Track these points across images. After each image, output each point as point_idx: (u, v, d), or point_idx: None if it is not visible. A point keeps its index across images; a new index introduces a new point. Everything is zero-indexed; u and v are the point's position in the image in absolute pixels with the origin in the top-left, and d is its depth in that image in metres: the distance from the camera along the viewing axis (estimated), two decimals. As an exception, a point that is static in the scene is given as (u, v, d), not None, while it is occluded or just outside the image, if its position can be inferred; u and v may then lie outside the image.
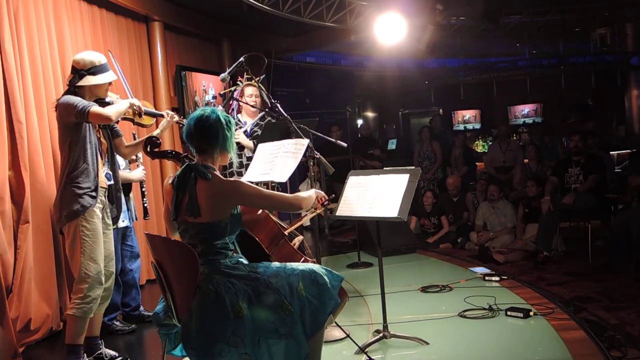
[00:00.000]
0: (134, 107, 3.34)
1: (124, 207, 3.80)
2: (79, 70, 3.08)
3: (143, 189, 3.98)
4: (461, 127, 13.28)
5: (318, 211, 2.82)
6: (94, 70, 3.10)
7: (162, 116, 3.54)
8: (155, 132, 3.42)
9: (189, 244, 2.28)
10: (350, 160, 7.72)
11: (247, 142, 4.33)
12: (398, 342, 3.31)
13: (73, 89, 3.09)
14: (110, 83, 3.21)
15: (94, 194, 3.06)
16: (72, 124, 3.02)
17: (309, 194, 2.57)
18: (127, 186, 3.94)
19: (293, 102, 8.58)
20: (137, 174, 3.92)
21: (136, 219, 4.09)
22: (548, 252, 5.21)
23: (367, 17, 6.69)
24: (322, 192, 2.65)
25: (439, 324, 3.67)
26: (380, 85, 12.77)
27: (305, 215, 2.98)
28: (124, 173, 3.84)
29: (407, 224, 6.18)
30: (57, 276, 3.78)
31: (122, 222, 3.78)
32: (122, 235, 3.89)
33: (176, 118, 3.53)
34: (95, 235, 3.06)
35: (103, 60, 3.16)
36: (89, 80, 3.09)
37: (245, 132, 4.39)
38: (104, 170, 3.22)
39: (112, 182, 3.28)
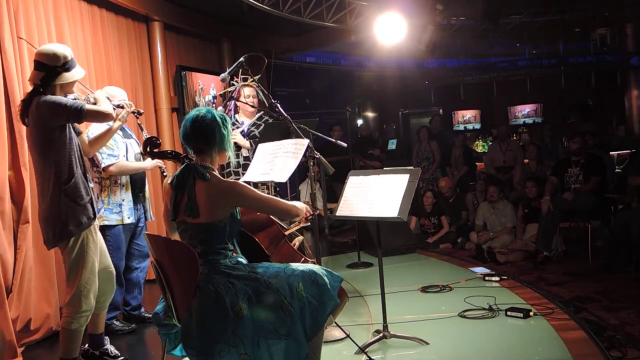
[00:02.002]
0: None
1: (130, 204, 3.74)
2: (53, 67, 2.77)
3: (164, 174, 3.86)
4: (461, 127, 13.28)
5: (301, 224, 2.82)
6: (68, 65, 2.83)
7: (122, 107, 3.44)
8: (116, 125, 3.36)
9: (188, 244, 2.28)
10: (350, 160, 7.72)
11: (244, 142, 4.32)
12: (398, 342, 3.31)
13: (43, 88, 2.78)
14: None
15: (91, 201, 2.94)
16: (56, 126, 2.77)
17: (301, 204, 2.55)
18: (141, 182, 3.87)
19: (293, 102, 8.58)
20: (150, 161, 3.77)
21: (152, 219, 4.02)
22: (548, 252, 5.21)
23: (367, 17, 6.69)
24: (308, 207, 2.64)
25: (439, 324, 3.67)
26: (380, 85, 12.76)
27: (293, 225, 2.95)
28: (138, 163, 3.77)
29: (407, 224, 6.19)
30: (57, 276, 3.78)
31: (128, 219, 3.73)
32: (132, 234, 3.86)
33: (133, 107, 3.49)
34: (97, 247, 2.99)
35: (71, 54, 2.89)
36: (65, 78, 2.82)
37: (242, 132, 4.39)
38: None
39: (92, 184, 3.11)
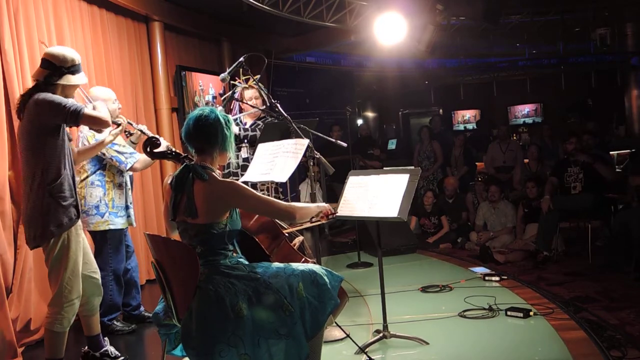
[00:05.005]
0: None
1: (132, 206, 3.79)
2: (59, 67, 2.84)
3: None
4: (461, 127, 13.28)
5: (322, 221, 2.77)
6: (74, 69, 2.91)
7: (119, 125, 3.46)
8: (108, 139, 3.35)
9: (189, 245, 2.28)
10: (350, 160, 7.72)
11: (235, 129, 4.26)
12: (398, 342, 3.31)
13: (44, 86, 2.84)
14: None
15: (75, 203, 2.91)
16: (51, 125, 2.79)
17: (308, 206, 2.54)
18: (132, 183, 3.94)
19: (293, 102, 8.57)
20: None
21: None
22: (548, 252, 5.21)
23: (367, 17, 6.69)
24: (328, 207, 2.62)
25: (439, 324, 3.67)
26: (380, 85, 12.75)
27: (306, 222, 2.94)
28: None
29: (407, 224, 6.19)
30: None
31: (134, 222, 3.82)
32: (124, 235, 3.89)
33: (126, 122, 3.51)
34: (79, 248, 2.94)
35: (80, 59, 2.98)
36: (68, 80, 2.87)
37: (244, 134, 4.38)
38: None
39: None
